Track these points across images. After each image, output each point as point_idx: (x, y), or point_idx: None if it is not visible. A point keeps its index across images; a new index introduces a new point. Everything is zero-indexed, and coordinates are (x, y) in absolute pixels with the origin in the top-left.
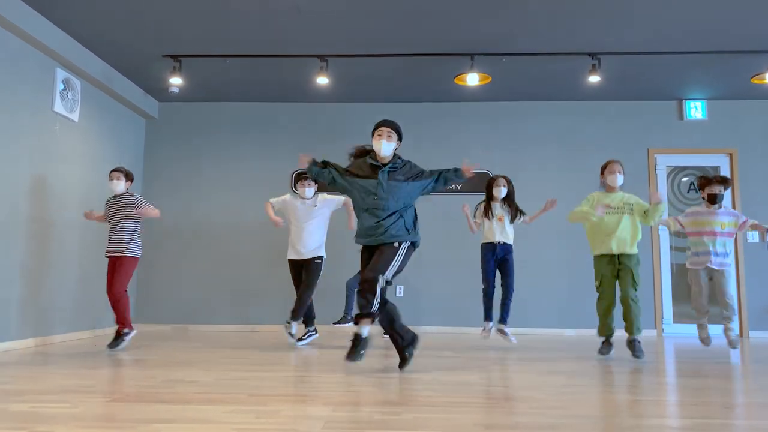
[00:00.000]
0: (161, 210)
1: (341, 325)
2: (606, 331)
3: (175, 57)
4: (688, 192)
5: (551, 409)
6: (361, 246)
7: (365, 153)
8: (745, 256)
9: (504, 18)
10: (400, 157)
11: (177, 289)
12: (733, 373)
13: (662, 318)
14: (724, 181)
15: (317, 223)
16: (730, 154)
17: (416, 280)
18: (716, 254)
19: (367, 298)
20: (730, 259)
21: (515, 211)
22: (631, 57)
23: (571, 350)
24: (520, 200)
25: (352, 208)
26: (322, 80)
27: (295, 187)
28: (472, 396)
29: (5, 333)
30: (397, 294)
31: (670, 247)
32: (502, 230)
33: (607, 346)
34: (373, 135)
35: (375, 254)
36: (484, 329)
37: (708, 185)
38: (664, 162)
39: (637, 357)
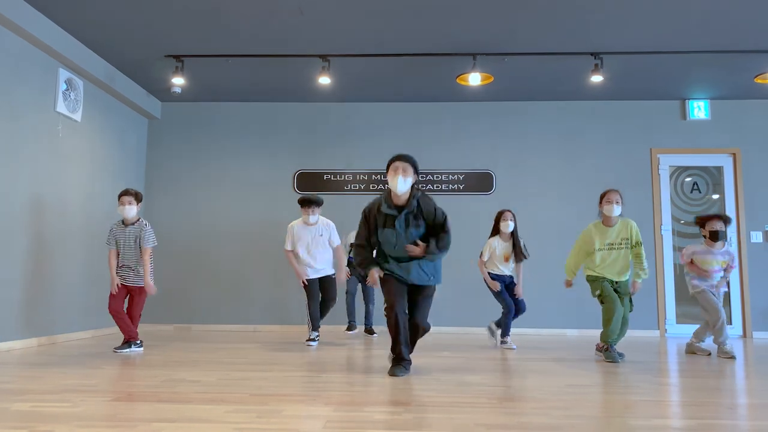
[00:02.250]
0: (163, 209)
1: (352, 332)
2: (612, 339)
3: (177, 57)
4: (691, 192)
5: (554, 409)
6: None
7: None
8: (749, 256)
9: (506, 18)
10: (415, 197)
11: (180, 289)
12: (736, 374)
13: (665, 318)
14: (726, 220)
15: (324, 246)
16: (734, 154)
17: None
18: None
19: (414, 344)
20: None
21: (519, 252)
22: (634, 57)
23: (573, 350)
24: (522, 201)
25: (341, 257)
26: (325, 80)
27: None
28: (473, 396)
29: (8, 332)
30: None
31: (673, 247)
32: (508, 267)
33: (611, 350)
34: (387, 171)
35: (417, 297)
36: (503, 343)
37: (709, 221)
38: (666, 162)
39: (615, 361)
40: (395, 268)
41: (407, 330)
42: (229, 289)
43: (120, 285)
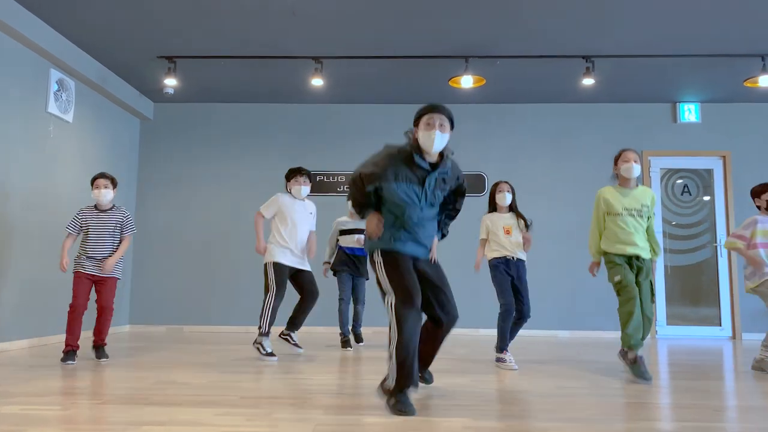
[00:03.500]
0: (155, 210)
1: (350, 350)
2: (635, 340)
3: (169, 58)
4: (682, 194)
5: (542, 412)
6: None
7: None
8: (738, 258)
9: (498, 21)
10: (448, 157)
11: (172, 289)
12: (725, 376)
13: (656, 320)
14: None
15: (308, 228)
16: (723, 157)
17: None
18: None
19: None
20: None
21: (523, 220)
22: (625, 60)
23: (564, 352)
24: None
25: (313, 242)
26: (317, 82)
27: (288, 187)
28: (463, 398)
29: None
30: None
31: (664, 249)
32: (513, 243)
33: (639, 362)
34: (418, 124)
35: (436, 284)
36: (502, 361)
37: (765, 192)
38: (657, 164)
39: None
40: (407, 244)
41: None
42: (221, 290)
43: (86, 276)
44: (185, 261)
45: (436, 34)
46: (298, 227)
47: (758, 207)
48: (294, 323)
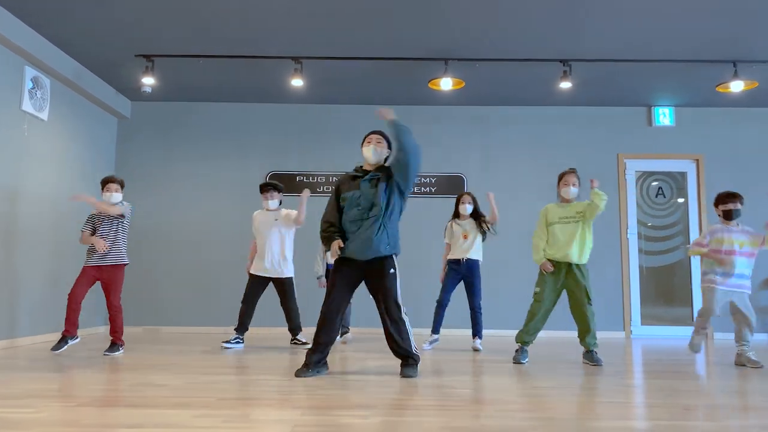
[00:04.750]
0: (134, 209)
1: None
2: (527, 338)
3: (147, 57)
4: (657, 197)
5: (518, 411)
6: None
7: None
8: None
9: (478, 24)
10: (385, 166)
11: (149, 290)
12: (697, 375)
13: (630, 320)
14: (736, 197)
15: (279, 237)
16: (697, 160)
17: None
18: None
19: (401, 342)
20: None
21: (483, 227)
22: (602, 64)
23: (540, 352)
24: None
25: (302, 210)
26: (297, 82)
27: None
28: (441, 399)
29: None
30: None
31: (639, 250)
32: (468, 247)
33: (522, 352)
34: (362, 145)
35: (377, 290)
36: (429, 342)
37: (722, 202)
38: (633, 167)
39: (597, 365)
40: (351, 245)
41: (334, 332)
42: (199, 290)
43: (90, 269)
44: (162, 261)
45: (416, 36)
46: (266, 237)
47: (718, 215)
48: (291, 328)
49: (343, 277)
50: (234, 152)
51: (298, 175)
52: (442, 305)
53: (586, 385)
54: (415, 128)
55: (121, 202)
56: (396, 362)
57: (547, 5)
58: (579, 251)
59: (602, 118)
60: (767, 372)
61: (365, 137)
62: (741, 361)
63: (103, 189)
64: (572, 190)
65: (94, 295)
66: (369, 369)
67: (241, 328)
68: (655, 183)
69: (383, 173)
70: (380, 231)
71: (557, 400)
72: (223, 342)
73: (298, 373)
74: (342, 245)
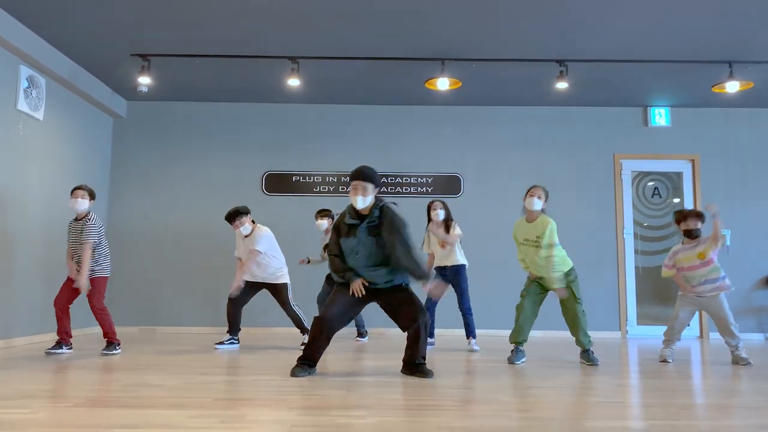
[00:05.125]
0: (128, 209)
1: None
2: (520, 337)
3: (143, 56)
4: (653, 197)
5: (515, 411)
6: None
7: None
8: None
9: (474, 24)
10: (378, 207)
11: (145, 290)
12: (692, 374)
13: (626, 320)
14: (700, 216)
15: (261, 258)
16: (692, 160)
17: None
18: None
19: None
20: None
21: (449, 229)
22: (598, 64)
23: (537, 352)
24: (489, 204)
25: (251, 260)
26: (294, 82)
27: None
28: (437, 399)
29: None
30: None
31: (635, 250)
32: (447, 254)
33: (518, 353)
34: (349, 192)
35: (395, 305)
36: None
37: (684, 220)
38: (629, 167)
39: (594, 364)
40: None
41: (327, 339)
42: (194, 290)
43: (69, 278)
44: (158, 261)
45: (413, 36)
46: (249, 262)
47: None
48: (301, 327)
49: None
50: (230, 152)
51: (295, 175)
52: (429, 310)
53: (582, 384)
54: (412, 128)
55: (89, 214)
56: (393, 363)
57: (543, 6)
58: (547, 271)
59: (598, 118)
60: (762, 372)
61: (350, 182)
62: (735, 360)
63: (71, 195)
64: (536, 202)
65: None
66: (366, 369)
67: (233, 329)
68: (651, 183)
69: (380, 222)
70: (386, 273)
71: (554, 400)
72: (216, 343)
73: (294, 373)
74: (365, 283)
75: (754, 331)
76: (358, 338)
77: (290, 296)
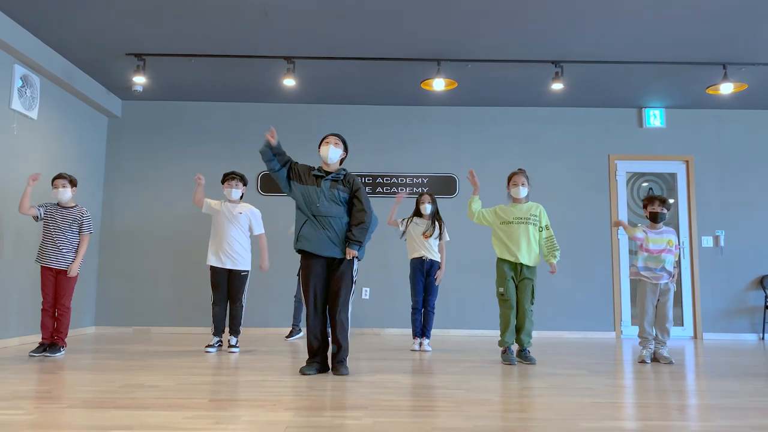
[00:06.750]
0: (122, 209)
1: (293, 338)
2: (509, 339)
3: (138, 56)
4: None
5: (509, 412)
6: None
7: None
8: (700, 260)
9: (470, 25)
10: (344, 169)
11: (139, 290)
12: (687, 375)
13: (620, 320)
14: (665, 202)
15: (238, 230)
16: (687, 161)
17: (381, 283)
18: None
19: (341, 344)
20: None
21: (440, 229)
22: (593, 66)
23: (531, 353)
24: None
25: (264, 246)
26: (289, 82)
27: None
28: (432, 399)
29: None
30: (363, 296)
31: (630, 251)
32: (429, 247)
33: (508, 352)
34: (319, 146)
35: (331, 281)
36: (418, 347)
37: (651, 204)
38: (624, 168)
39: (530, 363)
40: (310, 238)
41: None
42: (189, 291)
43: (49, 272)
44: (153, 261)
45: (408, 36)
46: (225, 228)
47: (645, 216)
48: (233, 332)
49: (314, 274)
50: (225, 152)
51: None
52: (417, 310)
53: (576, 385)
54: (408, 128)
55: (85, 216)
56: (391, 363)
57: (539, 6)
58: (528, 253)
59: (593, 119)
60: (757, 372)
61: (323, 138)
62: (657, 357)
63: (52, 186)
64: (522, 190)
65: (86, 295)
66: (361, 370)
67: (218, 331)
68: (645, 184)
69: (345, 181)
70: (341, 225)
71: (548, 400)
72: (206, 346)
73: (303, 370)
74: (275, 136)
75: (748, 331)
76: (287, 338)
77: (246, 290)
